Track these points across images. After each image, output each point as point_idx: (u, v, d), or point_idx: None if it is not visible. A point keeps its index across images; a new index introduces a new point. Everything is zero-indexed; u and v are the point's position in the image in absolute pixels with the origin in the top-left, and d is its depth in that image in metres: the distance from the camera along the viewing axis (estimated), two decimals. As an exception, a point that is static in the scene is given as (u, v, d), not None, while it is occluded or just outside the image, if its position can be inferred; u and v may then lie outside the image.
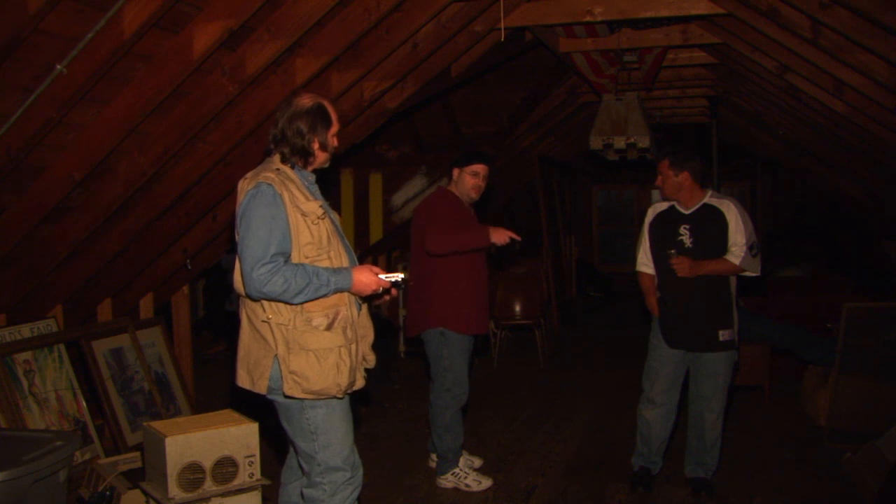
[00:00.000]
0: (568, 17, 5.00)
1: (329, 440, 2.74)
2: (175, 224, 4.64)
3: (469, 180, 4.17)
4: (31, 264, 4.09)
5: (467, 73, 5.56)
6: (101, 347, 4.68)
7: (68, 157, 3.61)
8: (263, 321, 2.67)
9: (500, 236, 3.98)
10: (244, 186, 2.70)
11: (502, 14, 4.50)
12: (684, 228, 3.95)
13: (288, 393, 2.65)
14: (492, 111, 7.20)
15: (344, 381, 2.69)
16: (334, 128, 2.80)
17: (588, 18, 4.93)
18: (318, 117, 2.74)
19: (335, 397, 2.72)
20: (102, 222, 4.09)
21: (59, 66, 3.08)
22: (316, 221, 2.69)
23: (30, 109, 3.18)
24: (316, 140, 2.75)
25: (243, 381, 2.77)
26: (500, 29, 4.60)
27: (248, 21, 3.47)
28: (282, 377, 2.65)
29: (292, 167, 2.75)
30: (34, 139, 3.31)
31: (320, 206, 2.72)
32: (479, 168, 4.18)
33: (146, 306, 5.23)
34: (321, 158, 2.82)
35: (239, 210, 2.67)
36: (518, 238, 3.99)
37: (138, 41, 3.19)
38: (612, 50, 5.71)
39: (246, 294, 2.68)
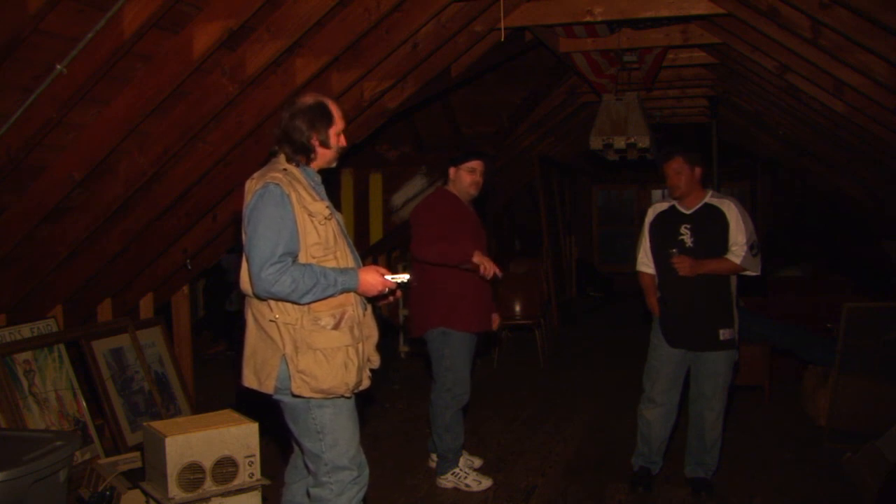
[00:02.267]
0: (568, 17, 5.00)
1: (336, 439, 2.75)
2: (175, 224, 4.64)
3: (466, 177, 4.18)
4: (31, 264, 4.08)
5: (467, 73, 5.56)
6: (101, 347, 4.68)
7: (68, 157, 3.61)
8: (270, 321, 2.67)
9: (481, 258, 3.91)
10: (252, 186, 2.70)
11: (502, 14, 4.50)
12: (685, 228, 3.95)
13: (296, 392, 2.65)
14: (492, 111, 7.19)
15: (352, 379, 2.70)
16: (337, 126, 2.80)
17: (588, 18, 4.93)
18: (318, 114, 2.75)
19: (343, 396, 2.73)
20: (102, 222, 4.09)
21: (59, 66, 3.08)
22: (323, 222, 2.70)
23: (30, 109, 3.17)
24: (315, 136, 2.75)
25: (249, 381, 2.77)
26: (500, 29, 4.60)
27: (248, 21, 3.47)
28: (289, 377, 2.65)
29: (297, 166, 2.76)
30: (34, 139, 3.31)
31: (327, 207, 2.73)
32: (475, 164, 4.20)
33: (146, 306, 5.23)
34: (326, 156, 2.81)
35: (246, 210, 2.68)
36: (499, 273, 3.94)
37: (138, 41, 3.19)
38: (612, 50, 5.71)
39: (254, 294, 2.68)
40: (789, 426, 5.27)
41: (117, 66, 3.28)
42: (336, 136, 2.81)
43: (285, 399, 2.74)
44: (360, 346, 2.75)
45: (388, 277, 2.77)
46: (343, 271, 2.69)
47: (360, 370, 2.74)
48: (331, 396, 2.70)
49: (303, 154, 2.76)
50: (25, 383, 4.17)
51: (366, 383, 2.81)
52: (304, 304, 2.64)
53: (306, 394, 2.65)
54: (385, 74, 4.65)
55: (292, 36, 3.66)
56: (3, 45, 2.83)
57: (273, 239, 2.59)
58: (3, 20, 2.77)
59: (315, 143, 2.76)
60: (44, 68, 3.09)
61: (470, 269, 3.96)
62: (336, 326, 2.68)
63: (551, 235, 9.91)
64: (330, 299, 2.67)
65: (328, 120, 2.77)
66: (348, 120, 4.81)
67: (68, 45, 3.06)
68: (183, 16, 3.36)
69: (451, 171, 4.22)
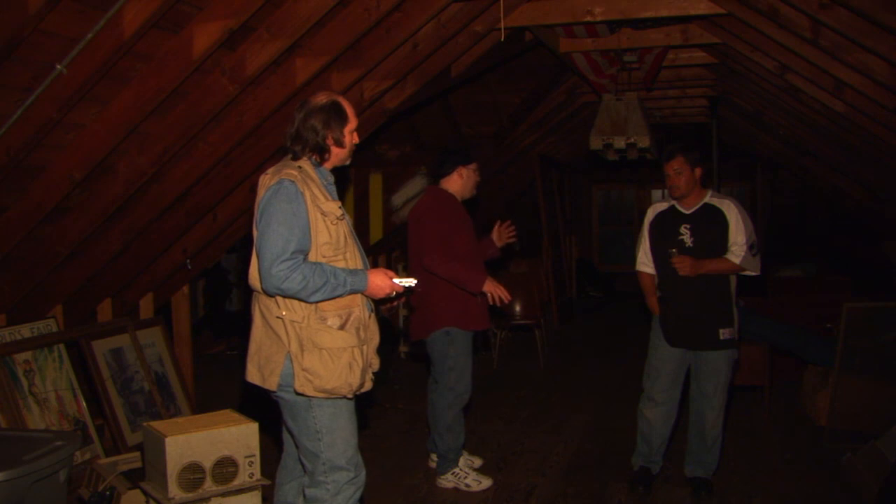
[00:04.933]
0: (568, 17, 5.00)
1: (334, 440, 2.75)
2: (175, 224, 4.64)
3: (474, 176, 4.26)
4: (31, 264, 4.08)
5: (467, 73, 5.56)
6: (101, 347, 4.68)
7: (68, 157, 3.61)
8: (277, 318, 2.68)
9: (493, 289, 3.96)
10: (266, 182, 2.71)
11: (502, 14, 4.50)
12: (685, 228, 3.95)
13: (299, 390, 2.66)
14: (492, 111, 7.20)
15: (355, 381, 2.70)
16: (351, 124, 2.82)
17: (588, 18, 4.93)
18: (332, 113, 2.76)
19: (344, 397, 2.73)
20: (102, 222, 4.09)
21: (59, 66, 3.08)
22: (335, 222, 2.71)
23: (30, 109, 3.18)
24: (330, 136, 2.77)
25: (253, 376, 2.78)
26: (500, 29, 4.60)
27: (248, 21, 3.46)
28: (293, 374, 2.66)
29: (313, 165, 2.78)
30: (34, 139, 3.31)
31: (339, 207, 2.74)
32: (476, 164, 4.31)
33: (146, 306, 5.23)
34: (340, 155, 2.83)
35: (259, 205, 2.68)
36: (507, 298, 3.98)
37: (138, 41, 3.19)
38: (612, 50, 5.71)
39: (262, 290, 2.69)
40: (789, 426, 5.27)
41: (117, 66, 3.28)
42: (350, 134, 2.82)
43: (287, 396, 2.74)
44: (364, 347, 2.76)
45: (396, 281, 2.78)
46: (352, 272, 2.70)
47: (363, 372, 2.74)
48: (333, 396, 2.70)
49: (317, 153, 2.78)
50: (25, 383, 4.17)
51: (368, 385, 2.81)
52: (312, 303, 2.64)
53: (309, 392, 2.66)
54: (385, 74, 4.65)
55: (292, 36, 3.66)
56: (3, 45, 2.83)
57: (285, 235, 2.60)
58: (3, 20, 2.77)
59: (330, 142, 2.77)
60: (44, 68, 3.09)
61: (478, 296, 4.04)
62: (342, 327, 2.69)
63: (551, 235, 9.91)
64: (337, 299, 2.68)
65: (342, 119, 2.78)
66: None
67: (68, 45, 3.06)
68: (183, 16, 3.36)
69: (463, 171, 4.22)
